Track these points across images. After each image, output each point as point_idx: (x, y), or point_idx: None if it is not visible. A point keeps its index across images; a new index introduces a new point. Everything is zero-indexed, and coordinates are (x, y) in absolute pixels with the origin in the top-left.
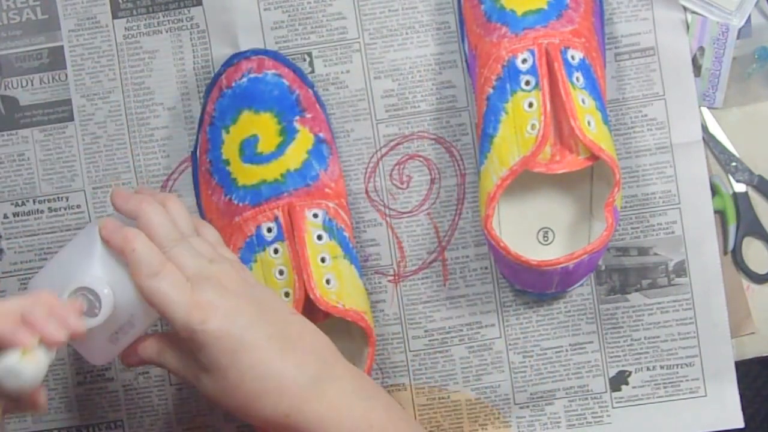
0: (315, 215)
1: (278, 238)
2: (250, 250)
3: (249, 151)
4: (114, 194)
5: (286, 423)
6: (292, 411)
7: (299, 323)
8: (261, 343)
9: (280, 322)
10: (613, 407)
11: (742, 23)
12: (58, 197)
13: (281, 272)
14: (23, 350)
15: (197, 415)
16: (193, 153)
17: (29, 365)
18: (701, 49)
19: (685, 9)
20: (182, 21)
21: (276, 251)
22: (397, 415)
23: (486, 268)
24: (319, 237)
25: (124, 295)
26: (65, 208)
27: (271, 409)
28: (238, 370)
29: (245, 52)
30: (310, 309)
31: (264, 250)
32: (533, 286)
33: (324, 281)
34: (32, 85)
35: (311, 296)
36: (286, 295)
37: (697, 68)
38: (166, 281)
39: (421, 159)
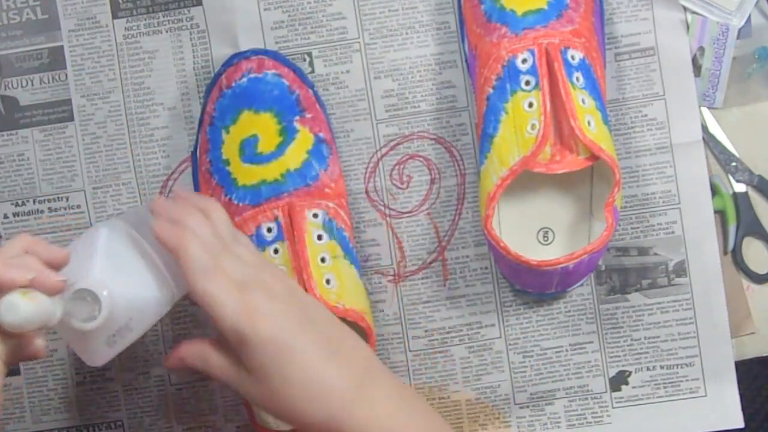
0: (315, 215)
1: (278, 238)
2: None
3: (249, 151)
4: (156, 205)
5: (328, 428)
6: (335, 415)
7: (342, 331)
8: (307, 348)
9: (325, 328)
10: (613, 407)
11: (742, 23)
12: (58, 197)
13: None
14: (22, 291)
15: (197, 415)
16: (193, 153)
17: (29, 304)
18: (701, 49)
19: (685, 9)
20: (182, 21)
21: (276, 251)
22: (437, 424)
23: (486, 268)
24: (319, 237)
25: (123, 298)
26: (65, 208)
27: (315, 413)
28: (283, 374)
29: (245, 52)
30: None
31: (264, 250)
32: (533, 286)
33: (324, 281)
34: (32, 85)
35: None
36: None
37: (697, 68)
38: (218, 283)
39: (421, 159)
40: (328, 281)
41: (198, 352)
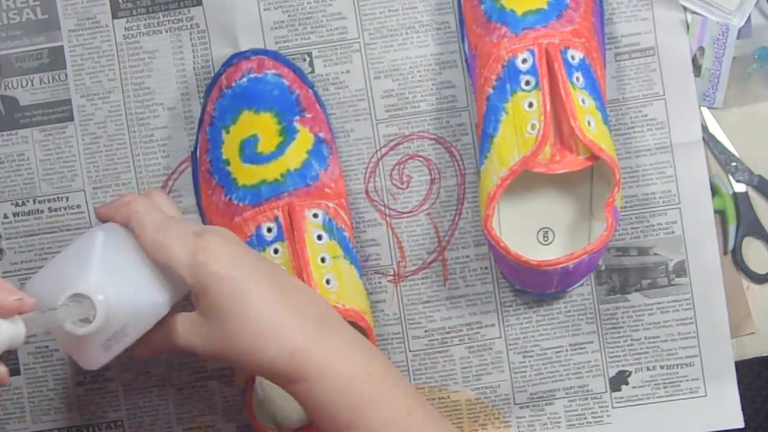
0: (315, 215)
1: (278, 238)
2: None
3: (249, 151)
4: (99, 209)
5: (289, 362)
6: (296, 348)
7: (297, 281)
8: (263, 287)
9: (280, 275)
10: (613, 407)
11: (742, 23)
12: (58, 197)
13: None
14: None
15: (197, 415)
16: (193, 153)
17: None
18: (701, 49)
19: (685, 9)
20: (182, 21)
21: (276, 251)
22: (393, 367)
23: (486, 268)
24: (319, 237)
25: (119, 302)
26: (65, 208)
27: (276, 347)
28: (242, 311)
29: (245, 52)
30: None
31: (264, 250)
32: (533, 286)
33: (324, 281)
34: (32, 85)
35: None
36: None
37: (697, 68)
38: (171, 233)
39: (421, 159)
40: (328, 281)
41: (158, 330)
